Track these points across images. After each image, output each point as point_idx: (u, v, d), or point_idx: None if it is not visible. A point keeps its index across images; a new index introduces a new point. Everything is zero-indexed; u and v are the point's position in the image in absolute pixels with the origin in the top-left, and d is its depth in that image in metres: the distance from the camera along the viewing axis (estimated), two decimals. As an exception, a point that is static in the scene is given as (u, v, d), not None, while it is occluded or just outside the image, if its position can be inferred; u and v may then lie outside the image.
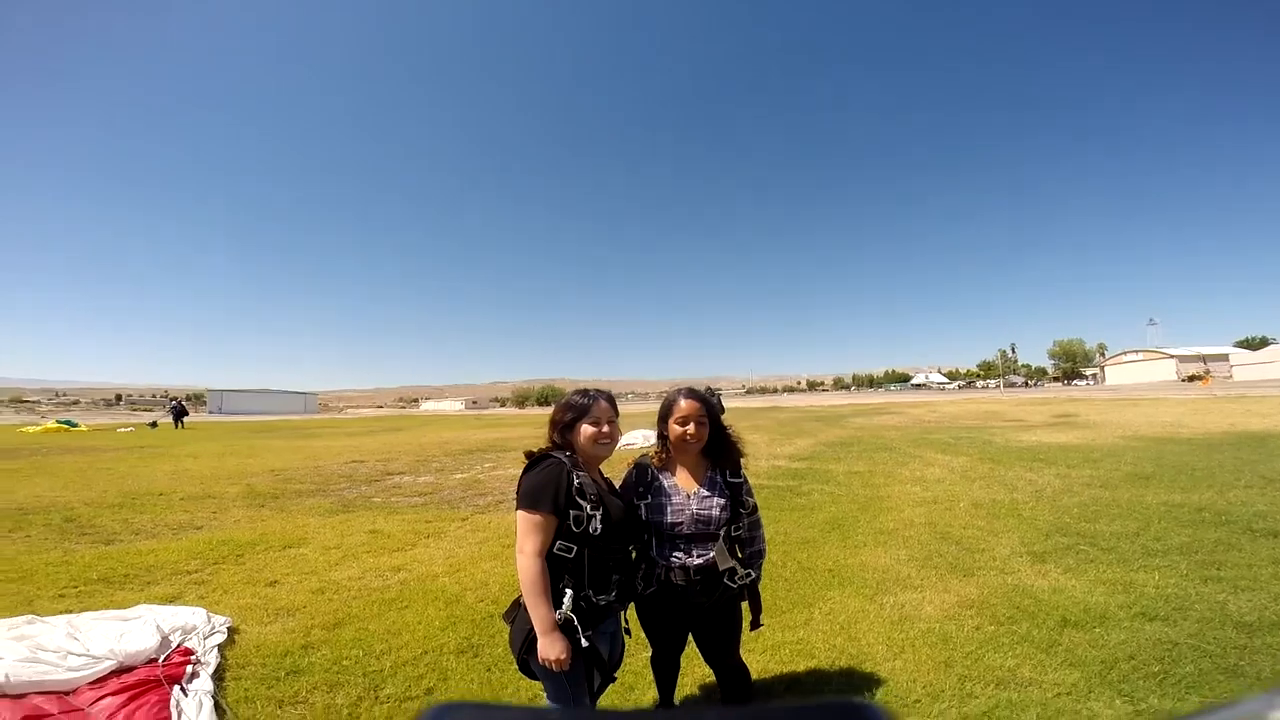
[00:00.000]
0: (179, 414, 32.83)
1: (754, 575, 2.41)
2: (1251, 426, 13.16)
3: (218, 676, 3.14)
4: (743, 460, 2.47)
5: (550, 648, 1.95)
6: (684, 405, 2.33)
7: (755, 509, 2.49)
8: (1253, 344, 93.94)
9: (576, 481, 2.09)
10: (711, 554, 2.28)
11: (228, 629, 3.72)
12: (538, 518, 2.02)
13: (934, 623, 3.67)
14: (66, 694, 2.75)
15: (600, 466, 2.36)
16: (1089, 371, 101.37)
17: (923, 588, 4.33)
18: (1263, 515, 5.52)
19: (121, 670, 2.96)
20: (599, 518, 2.10)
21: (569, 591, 2.03)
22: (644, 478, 2.39)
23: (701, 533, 2.29)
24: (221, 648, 3.46)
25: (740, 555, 2.40)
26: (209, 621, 3.69)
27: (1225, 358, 70.82)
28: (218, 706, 2.82)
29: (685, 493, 2.33)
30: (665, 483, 2.36)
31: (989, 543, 5.38)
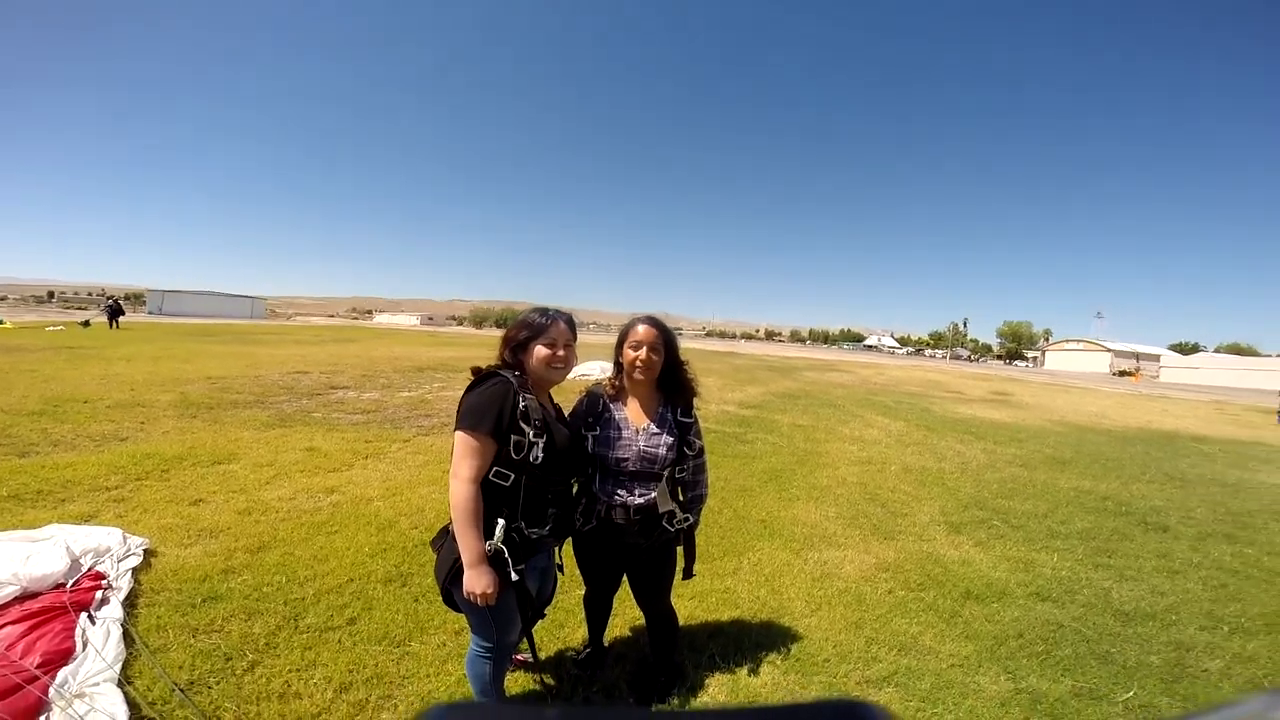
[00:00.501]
0: (114, 313, 30.70)
1: (692, 520, 2.43)
2: (1165, 425, 14.08)
3: (129, 603, 3.00)
4: (695, 401, 2.45)
5: (477, 581, 1.88)
6: (641, 331, 2.27)
7: (702, 452, 2.47)
8: (1185, 349, 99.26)
9: (522, 404, 1.98)
10: (653, 494, 2.27)
11: (144, 551, 3.54)
12: (475, 440, 1.92)
13: (851, 582, 3.90)
14: None
15: (550, 392, 2.27)
16: (1030, 354, 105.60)
17: (846, 546, 4.57)
18: (1157, 510, 5.98)
19: (26, 596, 2.79)
20: (541, 446, 2.00)
21: (501, 522, 1.94)
22: (595, 408, 2.34)
23: (646, 471, 2.26)
24: (136, 572, 3.30)
25: (681, 498, 2.42)
26: (124, 543, 3.50)
27: (1157, 358, 74.67)
28: (126, 635, 2.68)
29: (635, 427, 2.29)
30: (615, 415, 2.31)
31: (912, 508, 5.69)
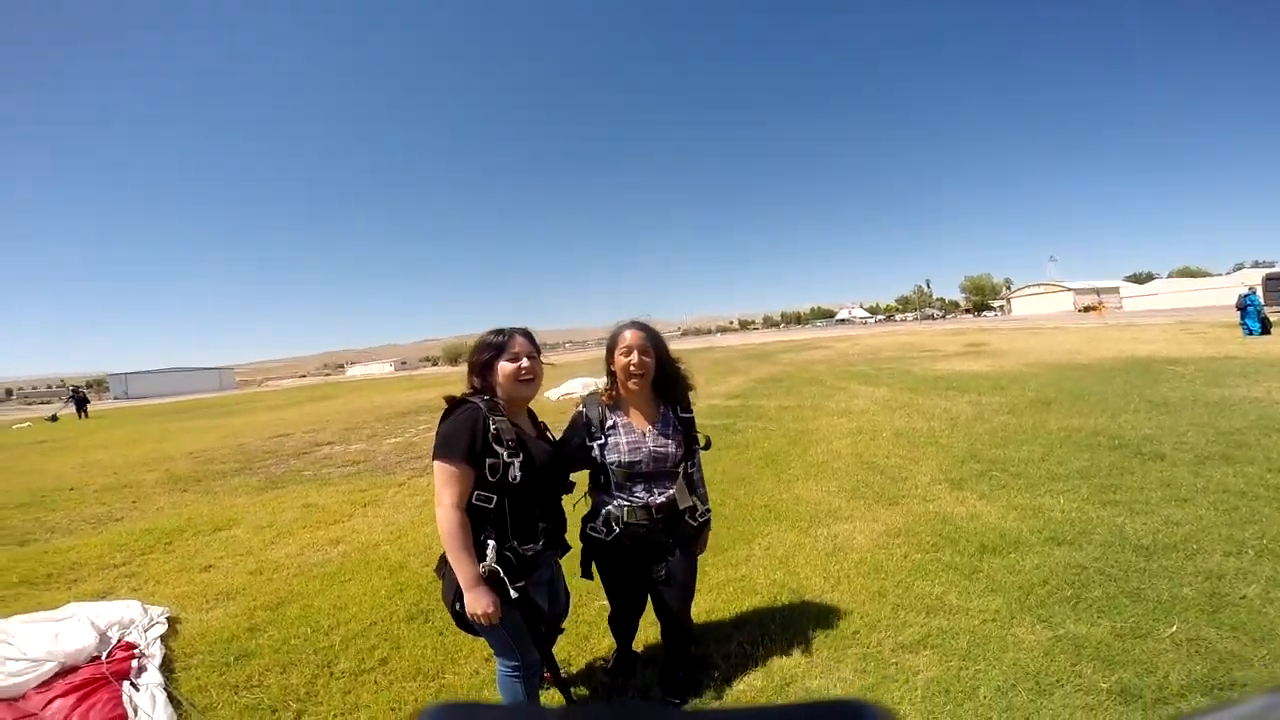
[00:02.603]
0: (81, 402, 30.26)
1: (709, 511, 2.46)
2: (1139, 353, 14.31)
3: (166, 668, 3.06)
4: (694, 391, 2.48)
5: (476, 602, 1.92)
6: (629, 336, 2.29)
7: (707, 445, 2.52)
8: (1140, 279, 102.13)
9: (493, 427, 2.01)
10: (672, 491, 2.28)
11: (167, 619, 3.61)
12: (452, 467, 1.96)
13: (866, 552, 3.85)
14: (15, 700, 2.66)
15: (530, 409, 2.30)
16: (996, 304, 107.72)
17: (853, 518, 4.53)
18: (1150, 439, 6.02)
19: (65, 671, 2.85)
20: (518, 464, 2.02)
21: (492, 543, 1.97)
22: (597, 418, 2.34)
23: (659, 470, 2.28)
24: (164, 639, 3.36)
25: (696, 493, 2.43)
26: (146, 613, 3.56)
27: (1116, 290, 76.68)
28: (171, 699, 2.76)
29: (639, 430, 2.31)
30: (619, 421, 2.32)
31: (911, 471, 5.67)
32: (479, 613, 1.92)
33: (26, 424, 27.53)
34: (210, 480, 8.48)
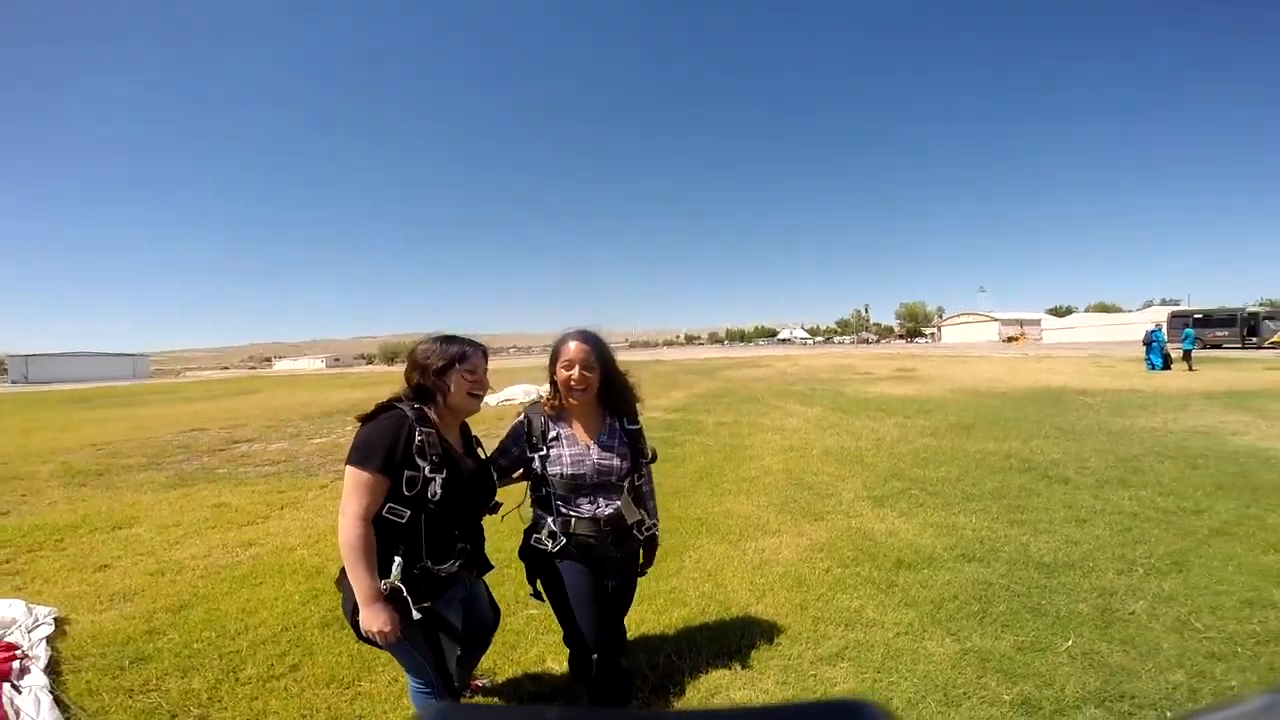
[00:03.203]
0: None
1: (656, 525, 2.41)
2: (1053, 383, 15.29)
3: (51, 670, 2.90)
4: (640, 403, 2.40)
5: (373, 619, 1.81)
6: (572, 349, 2.17)
7: (654, 458, 2.43)
8: (1060, 311, 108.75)
9: (419, 438, 1.89)
10: (618, 504, 2.21)
11: (55, 620, 3.42)
12: (365, 475, 1.84)
13: (790, 566, 3.97)
14: None
15: (465, 424, 2.22)
16: (928, 330, 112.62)
17: (780, 532, 4.66)
18: (1057, 463, 6.44)
19: None
20: (440, 481, 1.92)
21: (398, 560, 1.87)
22: (538, 429, 2.25)
23: (605, 483, 2.21)
24: (50, 640, 3.18)
25: (645, 507, 2.37)
26: (30, 613, 3.38)
27: (1038, 322, 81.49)
28: (59, 702, 2.61)
29: (583, 442, 2.23)
30: (562, 432, 2.24)
31: (837, 488, 5.87)
32: (374, 630, 1.82)
33: None
34: (113, 475, 7.97)
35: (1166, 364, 18.58)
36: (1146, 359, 19.16)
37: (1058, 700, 2.44)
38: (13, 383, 63.55)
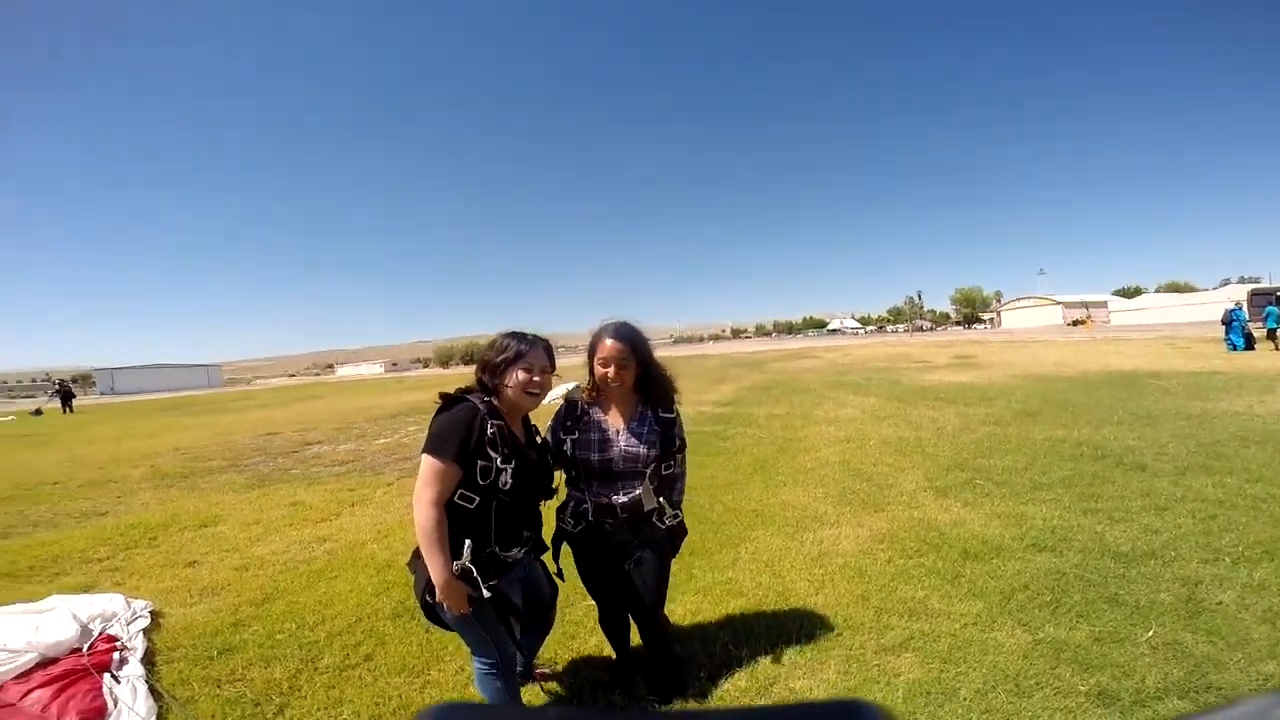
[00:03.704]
0: (66, 397, 29.87)
1: (680, 515, 2.42)
2: (1123, 366, 14.51)
3: (147, 661, 3.06)
4: (677, 396, 2.42)
5: (448, 595, 1.94)
6: (608, 346, 2.23)
7: (683, 447, 2.45)
8: (1128, 292, 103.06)
9: (490, 430, 1.99)
10: (638, 492, 2.27)
11: (150, 613, 3.60)
12: (440, 465, 1.94)
13: (850, 557, 3.89)
14: None
15: (527, 415, 2.29)
16: (986, 316, 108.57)
17: (839, 524, 4.57)
18: (1132, 450, 6.11)
19: (45, 663, 2.86)
20: (510, 472, 2.02)
21: (469, 542, 1.97)
22: (573, 412, 2.35)
23: (630, 470, 2.27)
24: (147, 632, 3.36)
25: (671, 496, 2.40)
26: (129, 607, 3.57)
27: (1104, 304, 77.40)
28: (153, 691, 2.75)
29: (614, 429, 2.30)
30: (595, 418, 2.32)
31: (897, 479, 5.72)
32: (450, 604, 1.95)
33: (10, 418, 27.26)
34: (197, 477, 8.42)
35: (1249, 344, 17.40)
36: (1226, 339, 17.98)
37: (1137, 691, 2.33)
38: (101, 394, 67.79)
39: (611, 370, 2.22)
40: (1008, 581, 3.35)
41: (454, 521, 1.98)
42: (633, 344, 2.25)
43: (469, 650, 2.24)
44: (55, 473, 9.42)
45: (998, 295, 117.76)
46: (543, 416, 2.44)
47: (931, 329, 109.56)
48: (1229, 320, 18.03)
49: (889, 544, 4.07)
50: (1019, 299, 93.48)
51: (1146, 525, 4.04)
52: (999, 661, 2.59)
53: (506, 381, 2.09)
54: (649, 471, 2.29)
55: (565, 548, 2.48)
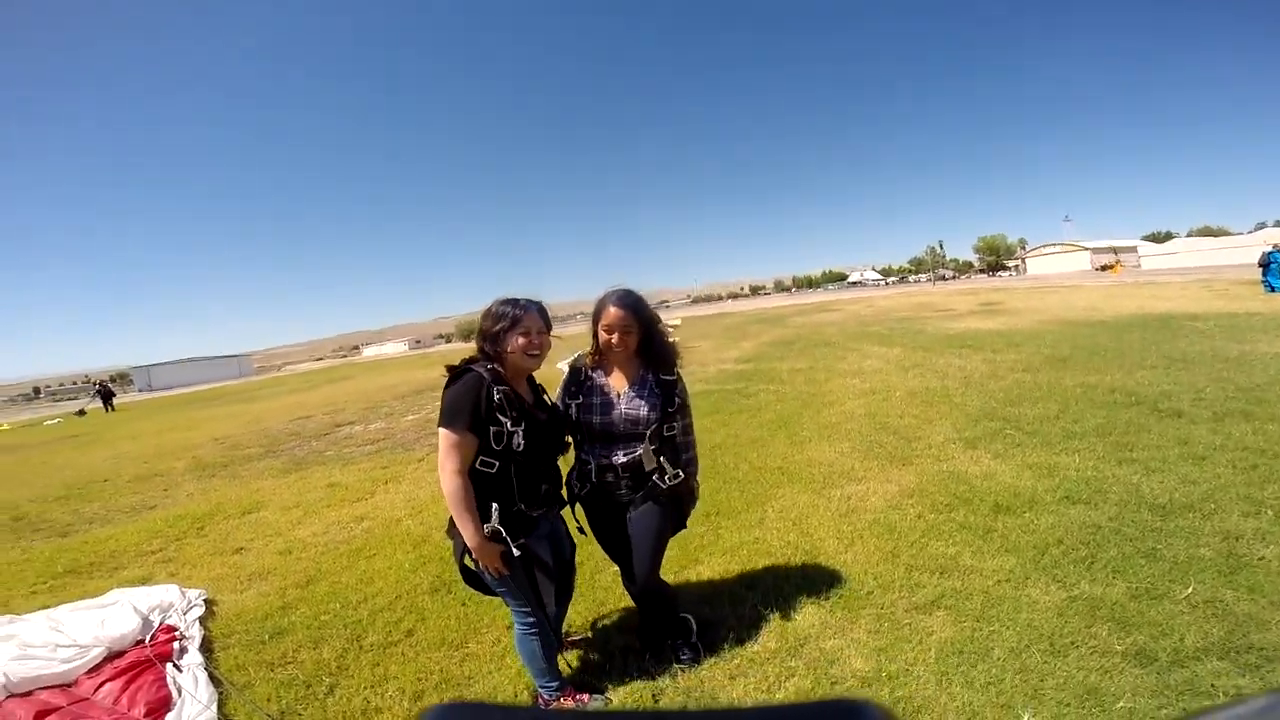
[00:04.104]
0: (107, 396, 30.79)
1: (682, 475, 2.42)
2: (1157, 308, 14.05)
3: (205, 649, 3.16)
4: (680, 360, 2.48)
5: (484, 555, 2.05)
6: (611, 313, 2.32)
7: (688, 411, 2.53)
8: (1158, 238, 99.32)
9: (497, 396, 2.06)
10: (638, 452, 2.33)
11: (204, 601, 3.72)
12: (456, 435, 2.03)
13: (879, 513, 3.85)
14: (68, 685, 2.78)
15: (530, 375, 2.35)
16: (1011, 264, 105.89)
17: (866, 479, 4.53)
18: (1167, 395, 5.92)
19: (112, 655, 2.97)
20: (521, 433, 2.10)
21: (496, 505, 2.06)
22: (576, 378, 2.44)
23: (630, 432, 2.34)
24: (202, 620, 3.48)
25: (677, 457, 2.44)
26: (184, 597, 3.69)
27: (1134, 249, 74.67)
28: (212, 678, 2.85)
29: (615, 392, 2.38)
30: (598, 382, 2.40)
31: (924, 430, 5.64)
32: (487, 563, 2.05)
33: (56, 420, 28.22)
34: (236, 465, 8.62)
35: (1289, 286, 16.73)
36: (1264, 281, 17.29)
37: (1176, 651, 2.26)
38: (139, 391, 69.30)
39: (615, 336, 2.31)
40: (1041, 536, 3.28)
41: (479, 487, 2.06)
42: (635, 310, 2.34)
43: (510, 621, 2.33)
44: (103, 470, 9.72)
45: (1022, 243, 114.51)
46: (551, 383, 2.46)
47: (954, 278, 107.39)
48: (1267, 262, 17.35)
49: (918, 498, 4.02)
50: (1044, 246, 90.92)
51: (1184, 475, 3.91)
52: (1033, 619, 2.55)
53: (507, 347, 2.15)
54: (649, 433, 2.34)
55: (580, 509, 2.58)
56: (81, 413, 30.35)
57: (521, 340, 2.14)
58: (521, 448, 2.10)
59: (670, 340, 2.49)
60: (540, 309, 2.23)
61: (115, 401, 32.21)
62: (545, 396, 2.41)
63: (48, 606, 3.66)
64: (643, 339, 2.37)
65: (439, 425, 2.06)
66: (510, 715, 0.56)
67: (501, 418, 2.06)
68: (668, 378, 2.42)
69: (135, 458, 10.74)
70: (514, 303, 2.19)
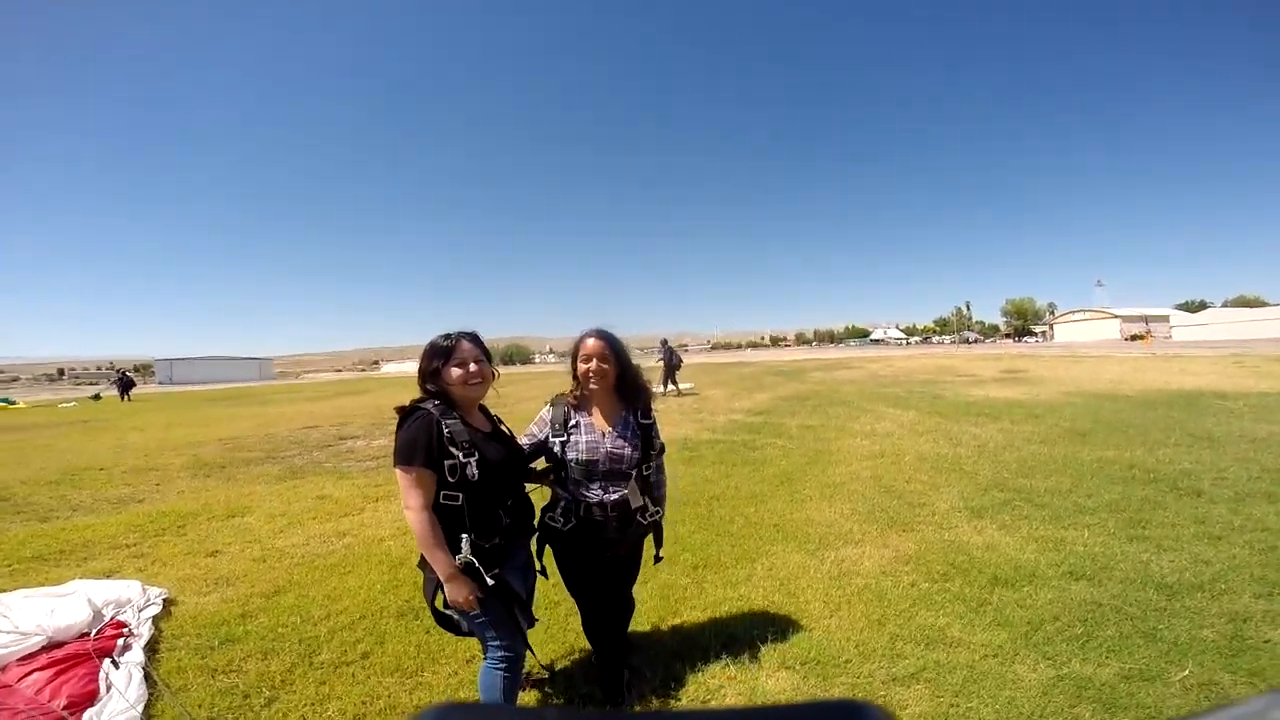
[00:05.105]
0: (125, 385, 31.53)
1: (661, 513, 2.56)
2: (1185, 385, 13.70)
3: (150, 648, 3.12)
4: (655, 403, 2.60)
5: (456, 592, 2.02)
6: (590, 345, 2.41)
7: (663, 451, 2.60)
8: (1191, 307, 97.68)
9: (447, 430, 2.07)
10: (625, 491, 2.41)
11: (163, 601, 3.70)
12: (412, 473, 2.03)
13: (871, 579, 3.71)
14: None
15: (483, 405, 2.37)
16: (1038, 329, 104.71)
17: (863, 542, 4.38)
18: (1188, 474, 5.72)
19: (51, 646, 2.95)
20: (475, 463, 2.09)
21: (465, 537, 2.06)
22: (560, 417, 2.48)
23: (615, 470, 2.41)
24: (156, 620, 3.44)
25: (650, 495, 2.51)
26: (144, 594, 3.67)
27: (1166, 319, 73.59)
28: (148, 678, 2.80)
29: (599, 431, 2.44)
30: (582, 421, 2.46)
31: (930, 497, 5.47)
32: (459, 600, 2.02)
33: (72, 403, 28.71)
34: (234, 467, 8.67)
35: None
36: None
37: (1159, 736, 2.12)
38: (159, 383, 70.87)
39: (594, 364, 2.38)
40: (1037, 611, 3.13)
41: (447, 521, 2.07)
42: (611, 343, 2.44)
43: (470, 654, 2.37)
44: (103, 458, 9.83)
45: (1051, 307, 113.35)
46: (519, 422, 2.49)
47: (980, 341, 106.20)
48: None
49: (914, 566, 3.88)
50: (1074, 311, 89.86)
51: (1197, 555, 3.75)
52: (1015, 697, 2.42)
53: (447, 381, 2.17)
54: (634, 473, 2.42)
55: (546, 548, 2.59)
56: (97, 397, 30.92)
57: (457, 372, 2.15)
58: (476, 477, 2.09)
59: (644, 381, 2.56)
60: (473, 338, 2.24)
61: (134, 392, 32.72)
62: (502, 426, 2.41)
63: (4, 590, 3.65)
64: (619, 375, 2.45)
65: (395, 465, 2.06)
66: (509, 715, 0.58)
67: (454, 450, 2.06)
68: (645, 420, 2.50)
69: (138, 449, 10.87)
70: (445, 337, 2.21)
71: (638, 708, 2.53)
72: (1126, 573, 3.55)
